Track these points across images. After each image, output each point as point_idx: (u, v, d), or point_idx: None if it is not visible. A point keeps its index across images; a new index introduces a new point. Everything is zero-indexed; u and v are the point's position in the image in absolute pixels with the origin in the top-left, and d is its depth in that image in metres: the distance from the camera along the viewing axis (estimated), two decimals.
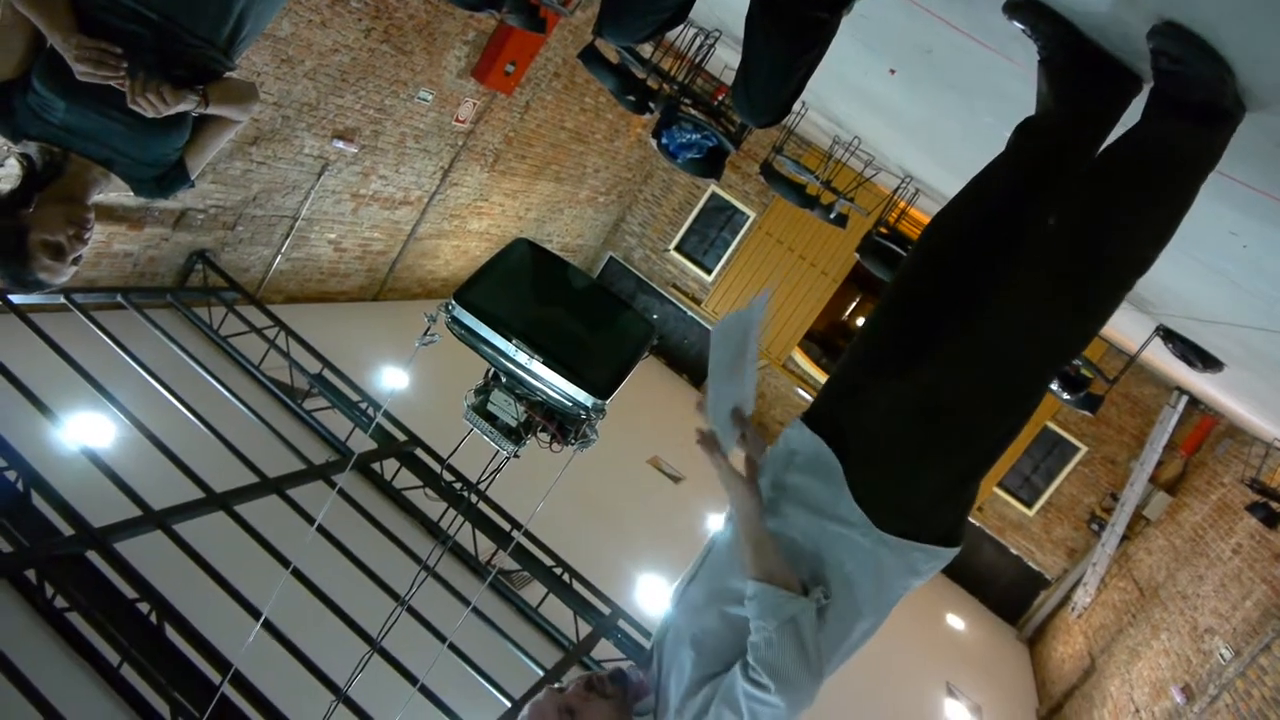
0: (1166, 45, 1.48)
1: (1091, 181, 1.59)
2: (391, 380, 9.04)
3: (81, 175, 1.93)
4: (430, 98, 9.17)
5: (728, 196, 15.29)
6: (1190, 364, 5.64)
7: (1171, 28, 1.49)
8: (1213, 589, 9.52)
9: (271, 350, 7.89)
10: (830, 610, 1.53)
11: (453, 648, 5.21)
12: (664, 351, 15.95)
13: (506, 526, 7.30)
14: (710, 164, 6.58)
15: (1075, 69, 1.79)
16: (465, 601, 5.48)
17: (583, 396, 2.30)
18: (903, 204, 9.32)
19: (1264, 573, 8.67)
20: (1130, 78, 1.79)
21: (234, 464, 6.01)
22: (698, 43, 7.06)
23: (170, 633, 4.69)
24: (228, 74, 2.08)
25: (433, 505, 7.39)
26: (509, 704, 5.42)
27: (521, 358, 2.33)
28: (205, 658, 4.62)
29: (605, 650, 6.93)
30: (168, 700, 4.41)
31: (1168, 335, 5.64)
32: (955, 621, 13.31)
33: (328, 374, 7.95)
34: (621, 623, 7.01)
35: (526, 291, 2.62)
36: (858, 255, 8.26)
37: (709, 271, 15.53)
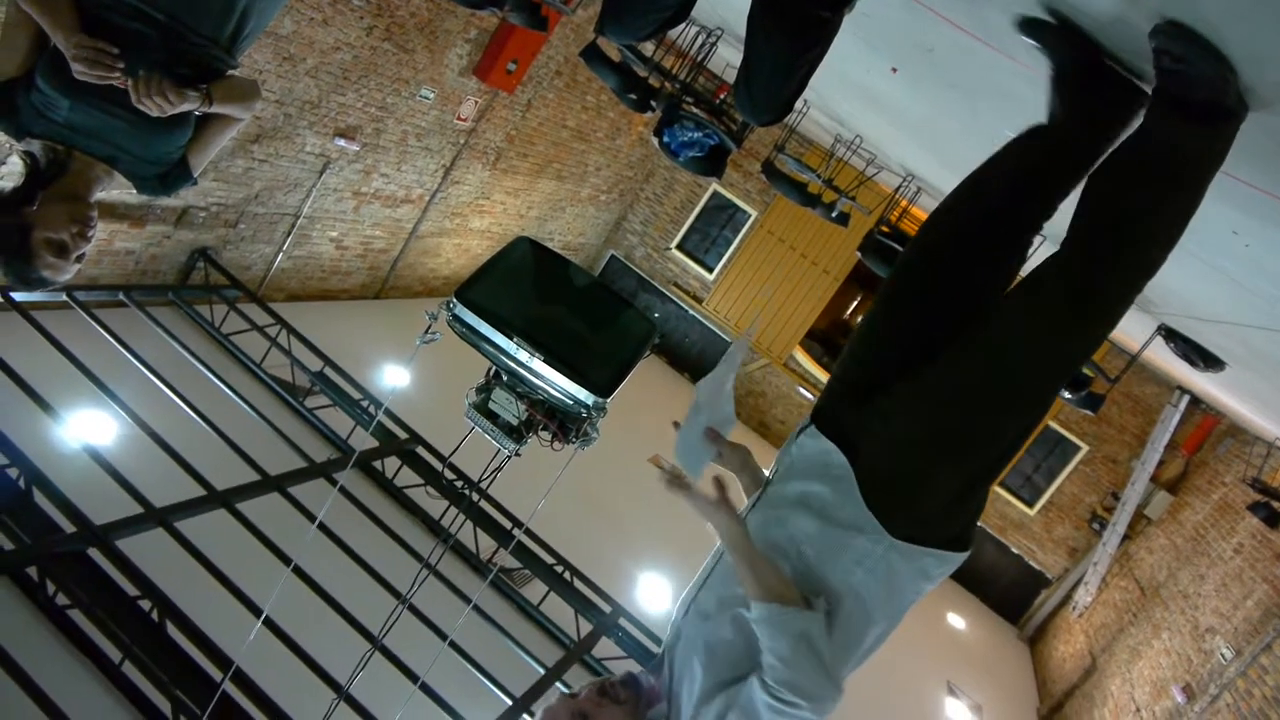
0: (1169, 44, 1.48)
1: (1097, 185, 1.58)
2: (393, 378, 9.04)
3: (85, 173, 1.93)
4: (432, 96, 9.17)
5: (729, 195, 15.29)
6: (1192, 363, 5.64)
7: (1174, 27, 1.49)
8: (1214, 588, 9.52)
9: (273, 348, 7.89)
10: (841, 617, 1.53)
11: (454, 646, 5.21)
12: (665, 350, 15.95)
13: (508, 525, 7.30)
14: (712, 162, 6.58)
15: (1088, 85, 1.78)
16: (466, 599, 5.48)
17: (584, 395, 2.30)
18: (904, 203, 9.31)
19: (1265, 572, 8.67)
20: (1144, 94, 1.79)
21: (235, 462, 6.02)
22: (699, 41, 7.06)
23: (172, 630, 4.69)
24: (230, 72, 2.08)
25: (434, 503, 7.39)
26: (510, 702, 5.43)
27: (523, 356, 2.33)
28: (207, 655, 4.62)
29: (606, 648, 6.93)
30: (169, 698, 4.41)
31: (1169, 334, 5.63)
32: (956, 620, 13.31)
33: (329, 372, 7.95)
34: (623, 621, 7.01)
35: (528, 290, 2.62)
36: (859, 254, 8.26)
37: (710, 270, 15.53)
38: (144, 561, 4.85)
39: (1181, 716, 8.32)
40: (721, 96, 8.02)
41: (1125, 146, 1.58)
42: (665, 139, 6.44)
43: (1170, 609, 10.21)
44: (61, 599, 4.66)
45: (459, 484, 7.53)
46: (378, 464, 7.49)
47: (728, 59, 8.29)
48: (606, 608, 7.10)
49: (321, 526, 5.09)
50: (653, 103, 6.85)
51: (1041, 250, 1.77)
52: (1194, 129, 1.50)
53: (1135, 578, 11.95)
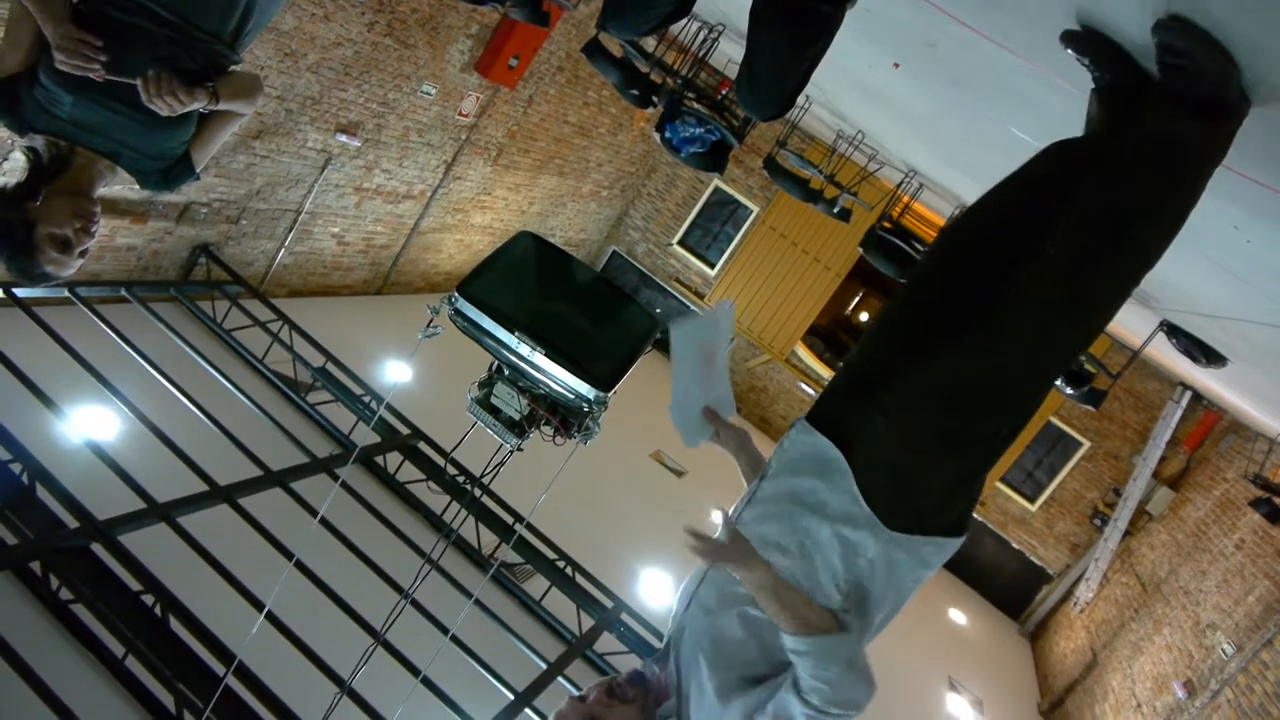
0: (1172, 39, 1.48)
1: (1096, 177, 1.58)
2: (395, 374, 9.05)
3: (88, 168, 1.93)
4: (433, 92, 9.17)
5: (731, 191, 15.27)
6: (1194, 359, 5.63)
7: (1177, 22, 1.49)
8: (1215, 584, 9.52)
9: (275, 344, 7.90)
10: (852, 613, 1.56)
11: (456, 640, 5.22)
12: (667, 345, 15.83)
13: (509, 520, 7.31)
14: (714, 158, 6.58)
15: (1129, 98, 1.76)
16: (468, 594, 5.49)
17: (585, 389, 2.30)
18: (906, 199, 9.30)
19: (1266, 568, 8.67)
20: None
21: (237, 457, 6.03)
22: (701, 36, 7.04)
23: (174, 624, 4.71)
24: (233, 67, 2.09)
25: (436, 498, 7.40)
26: (511, 696, 5.44)
27: (524, 350, 2.33)
28: (209, 649, 4.63)
29: (608, 643, 6.94)
30: (172, 691, 4.43)
31: (1171, 330, 5.62)
32: (957, 616, 13.33)
33: (331, 367, 7.96)
34: (624, 616, 7.02)
35: (530, 285, 2.62)
36: (861, 250, 8.26)
37: (712, 266, 15.52)
38: (147, 556, 4.86)
39: (1182, 712, 8.33)
40: (723, 92, 8.01)
41: (1126, 140, 1.58)
42: (667, 135, 6.44)
43: (1171, 605, 10.21)
44: (65, 593, 4.67)
45: (461, 479, 7.54)
46: (380, 459, 7.50)
47: (730, 54, 8.27)
48: (608, 603, 7.10)
49: (323, 521, 5.10)
50: (654, 98, 6.84)
51: None
52: (1196, 124, 1.50)
53: (1136, 573, 11.95)
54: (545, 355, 2.32)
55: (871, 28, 3.38)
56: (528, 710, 5.37)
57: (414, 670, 4.96)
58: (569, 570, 7.26)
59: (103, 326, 6.43)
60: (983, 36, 2.48)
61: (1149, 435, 12.80)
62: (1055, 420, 13.80)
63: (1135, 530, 12.83)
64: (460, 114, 9.86)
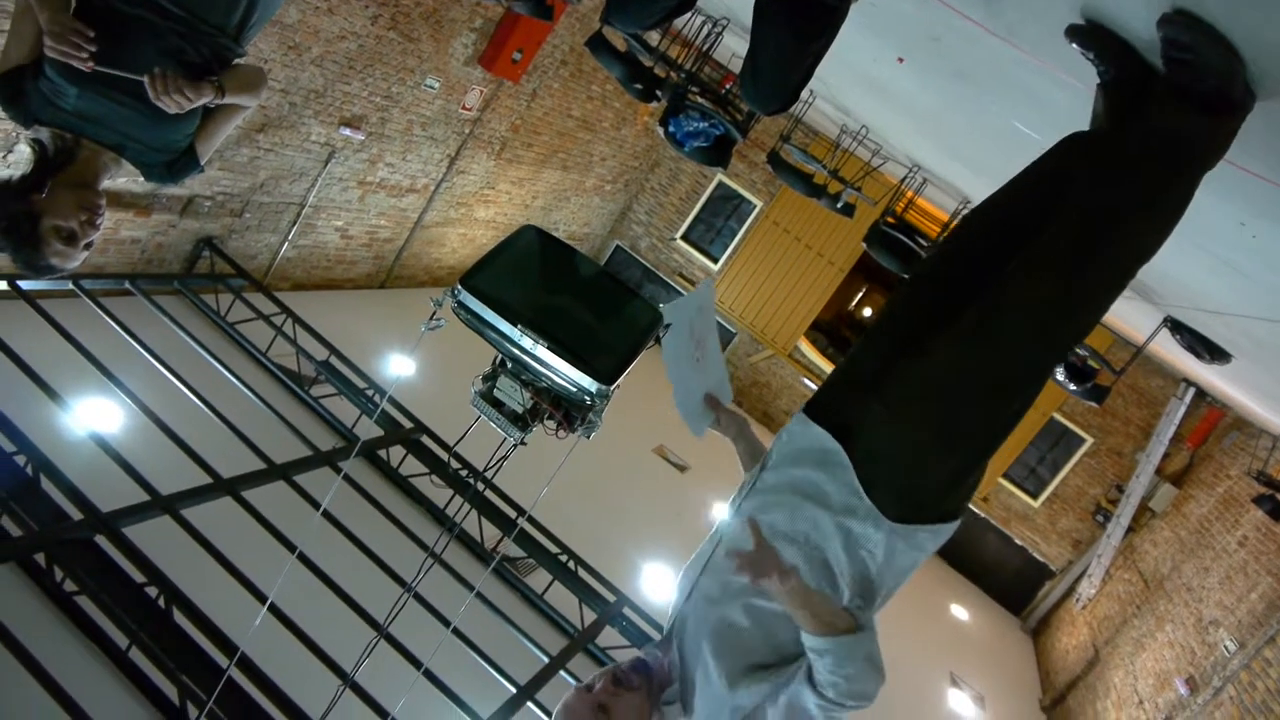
0: (1177, 33, 1.47)
1: (1101, 171, 1.58)
2: (398, 367, 9.06)
3: (93, 161, 1.94)
4: (437, 85, 9.16)
5: (735, 185, 15.25)
6: (1198, 356, 5.62)
7: (1182, 16, 1.48)
8: (1218, 581, 9.52)
9: (278, 337, 7.91)
10: (863, 607, 1.60)
11: (458, 634, 5.24)
12: None
13: (512, 513, 7.33)
14: (717, 152, 6.57)
15: (1135, 93, 1.76)
16: (470, 588, 5.50)
17: (588, 382, 2.30)
18: (910, 193, 9.29)
19: (1269, 565, 8.66)
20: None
21: (241, 450, 6.04)
22: (705, 30, 7.03)
23: (178, 617, 4.73)
24: (237, 60, 2.09)
25: (438, 492, 7.41)
26: (514, 690, 5.45)
27: (527, 343, 2.33)
28: (212, 641, 4.65)
29: (610, 637, 6.95)
30: (175, 683, 4.45)
31: (1175, 327, 5.62)
32: (959, 612, 13.33)
33: (334, 361, 7.97)
34: (626, 610, 7.03)
35: (533, 278, 2.62)
36: (865, 245, 8.25)
37: (715, 260, 15.51)
38: (150, 548, 4.88)
39: (1184, 709, 8.33)
40: (727, 86, 7.99)
41: (1129, 132, 1.57)
42: (671, 129, 6.43)
43: (1174, 601, 10.21)
44: (69, 585, 4.69)
45: (463, 472, 7.55)
46: (383, 452, 7.51)
47: (733, 49, 8.26)
48: (610, 597, 7.12)
49: (326, 514, 5.11)
50: (658, 93, 6.83)
51: None
52: (1201, 118, 1.49)
53: (1139, 570, 11.95)
54: (548, 348, 2.32)
55: (876, 22, 3.38)
56: (530, 704, 5.38)
57: (416, 663, 4.97)
58: (571, 564, 7.27)
59: (107, 319, 6.44)
60: (987, 31, 2.48)
61: (1152, 432, 12.78)
62: (1058, 416, 13.78)
63: (1138, 527, 12.82)
64: (464, 108, 9.85)
